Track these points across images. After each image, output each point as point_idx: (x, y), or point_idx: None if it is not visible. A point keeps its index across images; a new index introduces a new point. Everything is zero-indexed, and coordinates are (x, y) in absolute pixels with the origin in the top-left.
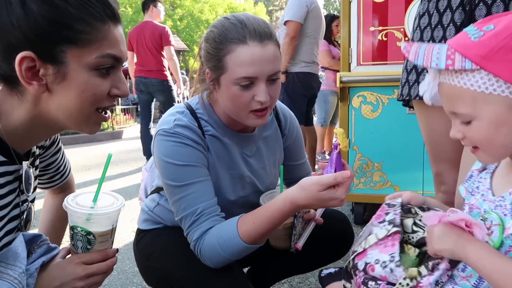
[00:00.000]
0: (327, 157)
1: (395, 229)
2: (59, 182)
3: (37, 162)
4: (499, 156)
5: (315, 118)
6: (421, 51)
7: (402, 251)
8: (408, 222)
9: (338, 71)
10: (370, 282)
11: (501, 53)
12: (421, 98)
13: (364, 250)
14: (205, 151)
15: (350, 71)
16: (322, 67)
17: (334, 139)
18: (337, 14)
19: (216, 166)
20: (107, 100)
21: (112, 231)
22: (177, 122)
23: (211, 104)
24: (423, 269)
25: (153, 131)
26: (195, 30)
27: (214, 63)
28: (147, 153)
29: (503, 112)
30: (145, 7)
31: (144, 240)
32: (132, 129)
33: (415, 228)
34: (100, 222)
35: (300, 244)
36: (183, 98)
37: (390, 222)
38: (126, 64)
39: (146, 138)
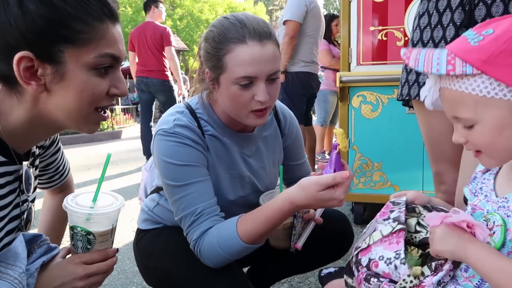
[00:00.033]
0: (327, 156)
1: (399, 226)
2: (59, 182)
3: (37, 162)
4: (502, 160)
5: (314, 118)
6: (421, 57)
7: (405, 250)
8: (412, 221)
9: (338, 70)
10: (372, 279)
11: (502, 57)
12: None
13: (369, 246)
14: (205, 151)
15: (350, 70)
16: (322, 67)
17: (334, 139)
18: (337, 14)
19: (215, 166)
20: (105, 100)
21: (112, 231)
22: (176, 122)
23: (210, 104)
24: (426, 270)
25: (153, 131)
26: (194, 30)
27: (214, 62)
28: (147, 153)
29: (505, 115)
30: (146, 7)
31: (144, 240)
32: (132, 129)
33: (418, 228)
34: (100, 222)
35: (299, 244)
36: (183, 98)
37: (394, 220)
38: (125, 64)
39: (146, 138)
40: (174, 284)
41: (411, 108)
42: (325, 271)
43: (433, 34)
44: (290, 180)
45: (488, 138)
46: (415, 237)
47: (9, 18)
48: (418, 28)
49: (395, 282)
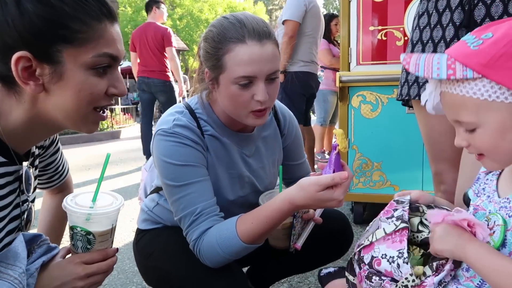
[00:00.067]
0: (327, 156)
1: (403, 225)
2: (58, 182)
3: (37, 162)
4: (505, 163)
5: (314, 118)
6: (421, 62)
7: (408, 249)
8: (415, 221)
9: (338, 70)
10: (374, 277)
11: (502, 61)
12: (420, 98)
13: (371, 243)
14: (204, 151)
15: (349, 70)
16: (321, 67)
17: (333, 140)
18: (336, 13)
19: (215, 166)
20: (104, 100)
21: (112, 230)
22: (176, 122)
23: (210, 103)
24: (427, 270)
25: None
26: (194, 30)
27: (213, 62)
28: (147, 153)
29: (507, 118)
30: (148, 8)
31: (143, 240)
32: (131, 128)
33: (420, 228)
34: (100, 222)
35: (299, 244)
36: (183, 98)
37: (398, 218)
38: (124, 63)
39: (146, 137)
40: (174, 284)
41: (410, 108)
42: (324, 271)
43: (433, 34)
44: (289, 180)
45: (491, 141)
46: (417, 237)
47: (6, 18)
48: (417, 28)
49: (397, 281)
